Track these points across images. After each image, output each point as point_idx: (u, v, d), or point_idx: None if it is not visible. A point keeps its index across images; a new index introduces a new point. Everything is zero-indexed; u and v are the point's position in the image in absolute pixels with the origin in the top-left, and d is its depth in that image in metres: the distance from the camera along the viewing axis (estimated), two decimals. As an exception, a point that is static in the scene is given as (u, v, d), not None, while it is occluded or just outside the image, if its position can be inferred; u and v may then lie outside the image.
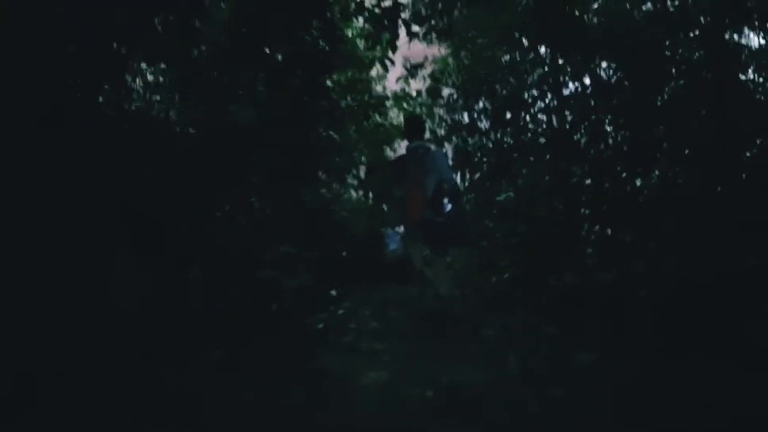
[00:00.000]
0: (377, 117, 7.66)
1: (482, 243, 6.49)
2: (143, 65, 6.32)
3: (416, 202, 5.99)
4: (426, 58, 10.49)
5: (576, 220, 6.06)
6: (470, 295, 5.86)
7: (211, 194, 5.37)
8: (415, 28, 6.88)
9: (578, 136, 8.91)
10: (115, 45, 5.48)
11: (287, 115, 6.73)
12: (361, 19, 6.74)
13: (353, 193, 8.12)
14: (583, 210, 6.73)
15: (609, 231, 5.43)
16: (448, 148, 10.26)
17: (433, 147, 6.92)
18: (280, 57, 6.89)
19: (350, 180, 7.92)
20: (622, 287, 4.66)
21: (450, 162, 8.14)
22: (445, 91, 10.15)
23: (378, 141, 7.96)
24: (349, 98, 7.33)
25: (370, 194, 8.05)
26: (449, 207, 6.05)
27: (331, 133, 6.69)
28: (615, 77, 8.31)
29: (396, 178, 6.24)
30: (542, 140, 9.74)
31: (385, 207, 7.70)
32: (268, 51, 6.85)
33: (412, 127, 6.50)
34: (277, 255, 5.61)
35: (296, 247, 5.82)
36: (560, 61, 8.94)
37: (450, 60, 9.80)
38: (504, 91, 10.06)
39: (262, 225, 5.79)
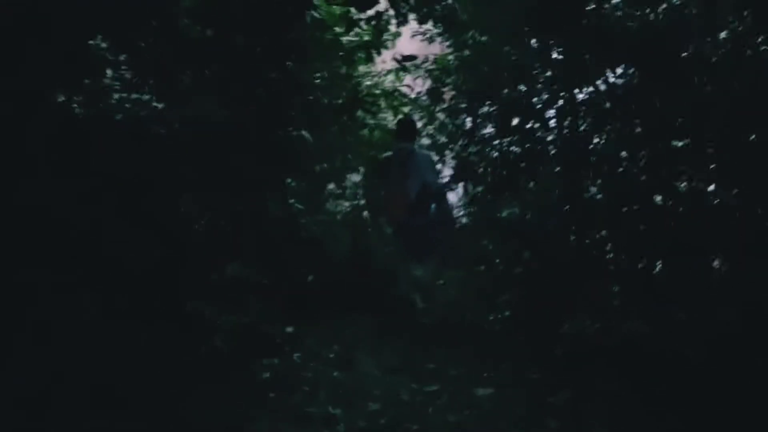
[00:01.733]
0: (365, 116, 6.36)
1: (478, 268, 5.19)
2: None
3: (396, 205, 5.74)
4: (426, 58, 9.33)
5: (594, 245, 4.77)
6: (460, 333, 4.56)
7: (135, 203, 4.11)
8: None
9: (593, 144, 7.78)
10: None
11: (256, 113, 5.52)
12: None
13: (339, 204, 6.84)
14: (600, 232, 5.46)
15: (638, 262, 4.09)
16: (449, 157, 9.11)
17: (417, 148, 6.49)
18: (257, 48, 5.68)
19: (332, 188, 6.67)
20: (659, 341, 3.37)
21: (450, 171, 7.24)
22: (448, 94, 8.95)
23: (367, 144, 6.68)
24: (330, 95, 6.06)
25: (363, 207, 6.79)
26: (433, 211, 5.89)
27: (304, 132, 5.40)
28: (633, 80, 7.14)
29: (380, 180, 6.00)
30: (552, 149, 8.61)
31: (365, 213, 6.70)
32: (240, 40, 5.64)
33: (402, 129, 6.25)
34: (223, 280, 4.34)
35: (248, 268, 4.55)
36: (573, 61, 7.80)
37: (451, 58, 8.56)
38: (511, 95, 8.86)
39: (204, 240, 4.51)
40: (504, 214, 5.64)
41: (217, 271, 4.50)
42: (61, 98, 4.90)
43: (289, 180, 5.52)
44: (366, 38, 5.74)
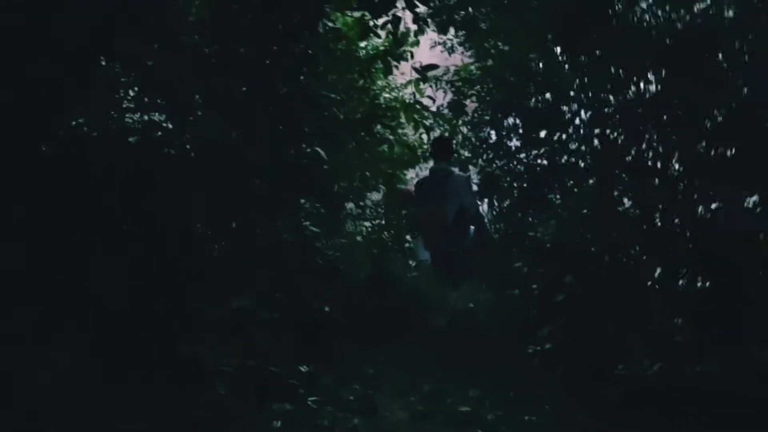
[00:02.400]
0: (382, 130, 5.87)
1: (512, 292, 4.63)
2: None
3: (433, 228, 5.55)
4: (447, 69, 8.84)
5: (639, 266, 4.20)
6: (496, 368, 3.99)
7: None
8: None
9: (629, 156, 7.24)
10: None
11: (268, 130, 5.07)
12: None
13: (359, 225, 6.34)
14: (644, 251, 4.90)
15: (708, 284, 3.50)
16: (473, 172, 8.59)
17: (456, 170, 6.36)
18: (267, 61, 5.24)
19: (351, 209, 6.18)
20: (734, 384, 2.80)
21: (475, 188, 6.83)
22: (471, 106, 8.44)
23: (387, 160, 6.18)
24: (345, 108, 5.58)
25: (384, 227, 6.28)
26: (472, 235, 5.73)
27: (318, 149, 4.92)
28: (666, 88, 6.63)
29: (417, 202, 5.86)
30: (582, 162, 8.05)
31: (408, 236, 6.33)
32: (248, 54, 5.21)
33: (438, 149, 6.09)
34: (227, 314, 3.85)
35: (259, 300, 4.06)
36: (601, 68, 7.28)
37: (473, 68, 8.05)
38: (538, 105, 8.32)
39: (209, 270, 4.02)
40: (537, 232, 5.08)
41: (221, 304, 4.03)
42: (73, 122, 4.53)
43: (303, 201, 5.04)
44: (383, 47, 5.25)
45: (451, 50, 8.51)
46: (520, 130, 8.61)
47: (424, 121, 6.14)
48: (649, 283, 4.04)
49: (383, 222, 6.19)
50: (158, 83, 4.96)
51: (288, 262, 4.56)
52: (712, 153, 6.18)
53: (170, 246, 4.05)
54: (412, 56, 5.68)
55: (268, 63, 5.30)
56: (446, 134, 8.56)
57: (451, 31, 8.75)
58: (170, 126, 5.04)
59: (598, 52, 6.94)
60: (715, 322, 3.09)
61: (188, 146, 5.05)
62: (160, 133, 4.98)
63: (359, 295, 4.95)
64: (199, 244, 4.50)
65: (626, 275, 3.90)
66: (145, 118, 5.09)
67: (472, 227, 6.09)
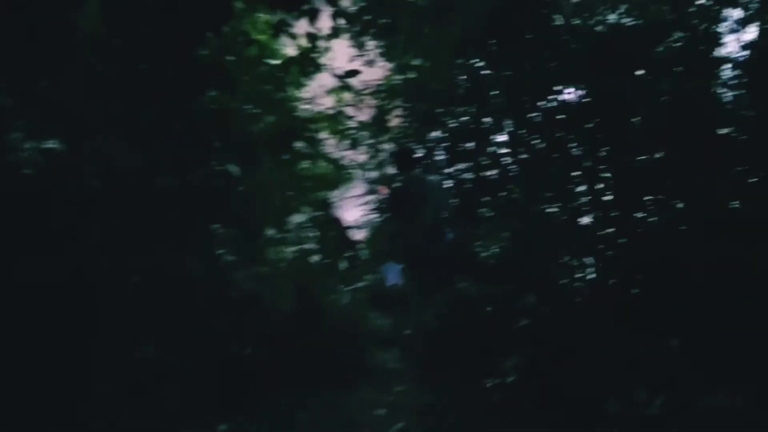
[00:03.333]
0: (305, 146, 5.22)
1: (460, 315, 4.03)
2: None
3: (412, 236, 5.43)
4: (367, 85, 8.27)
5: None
6: (452, 407, 3.36)
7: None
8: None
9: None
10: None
11: (173, 150, 4.37)
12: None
13: (281, 252, 5.63)
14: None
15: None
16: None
17: (429, 177, 6.30)
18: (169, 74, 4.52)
19: (272, 233, 5.48)
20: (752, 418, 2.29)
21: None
22: (395, 119, 7.88)
23: (310, 178, 5.52)
24: (260, 123, 4.91)
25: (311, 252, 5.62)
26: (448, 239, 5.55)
27: (230, 167, 4.23)
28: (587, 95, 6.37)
29: (392, 211, 5.84)
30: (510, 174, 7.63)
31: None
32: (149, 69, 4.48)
33: (402, 159, 6.00)
34: (130, 367, 3.10)
35: (167, 346, 3.32)
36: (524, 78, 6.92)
37: (397, 80, 7.51)
38: (463, 117, 7.86)
39: (107, 315, 3.27)
40: (487, 252, 4.52)
41: (122, 356, 3.27)
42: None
43: (216, 227, 4.32)
44: (300, 51, 4.60)
45: (371, 62, 7.98)
46: (446, 144, 8.23)
47: (349, 132, 5.49)
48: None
49: (310, 246, 5.52)
50: (52, 107, 4.24)
51: (200, 299, 3.85)
52: (639, 158, 5.97)
53: (65, 292, 3.29)
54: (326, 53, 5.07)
55: (171, 76, 4.62)
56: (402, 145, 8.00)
57: (370, 43, 8.31)
58: (66, 154, 4.30)
59: (519, 60, 6.64)
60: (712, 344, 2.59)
61: (87, 175, 4.32)
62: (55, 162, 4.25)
63: (287, 331, 4.26)
64: (97, 285, 3.73)
65: (592, 292, 3.38)
66: (41, 146, 4.35)
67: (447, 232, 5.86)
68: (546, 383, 2.87)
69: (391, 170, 7.27)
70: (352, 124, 5.76)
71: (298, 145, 5.40)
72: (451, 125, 7.91)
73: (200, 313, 3.68)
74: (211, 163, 4.57)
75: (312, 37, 4.29)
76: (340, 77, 4.73)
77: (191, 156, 4.52)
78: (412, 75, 7.68)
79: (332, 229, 5.48)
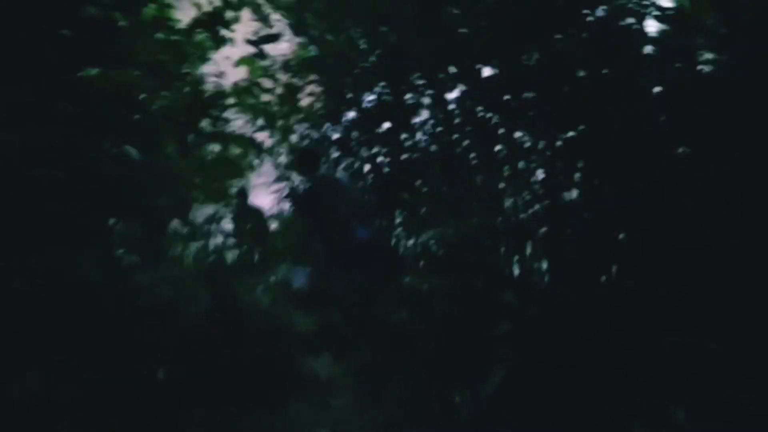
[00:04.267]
0: (213, 125, 4.51)
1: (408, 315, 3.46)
2: None
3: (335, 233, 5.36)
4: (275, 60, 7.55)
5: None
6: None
7: None
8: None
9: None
10: None
11: (60, 130, 3.58)
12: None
13: (187, 248, 4.89)
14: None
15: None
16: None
17: (337, 174, 6.33)
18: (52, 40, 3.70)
19: (177, 227, 4.75)
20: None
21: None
22: (306, 99, 7.22)
23: (219, 163, 4.80)
24: (161, 99, 4.17)
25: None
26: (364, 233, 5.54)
27: (129, 149, 3.49)
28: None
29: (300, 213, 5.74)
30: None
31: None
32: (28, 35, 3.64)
33: (307, 160, 5.77)
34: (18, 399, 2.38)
35: (58, 373, 2.60)
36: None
37: (309, 52, 6.84)
38: (378, 96, 7.30)
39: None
40: (427, 238, 4.00)
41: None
42: None
43: (113, 221, 3.57)
44: (212, 11, 3.88)
45: (272, 39, 7.21)
46: (361, 126, 7.67)
47: (265, 108, 4.77)
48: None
49: (222, 241, 4.82)
50: None
51: (97, 310, 3.12)
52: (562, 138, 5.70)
53: None
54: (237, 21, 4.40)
55: (50, 43, 3.80)
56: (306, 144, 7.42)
57: (275, 15, 7.58)
58: None
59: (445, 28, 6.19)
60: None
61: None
62: None
63: (203, 342, 3.57)
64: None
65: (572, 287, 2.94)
66: None
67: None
68: (536, 395, 2.37)
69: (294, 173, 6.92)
70: (265, 99, 5.06)
71: (205, 124, 4.70)
72: (366, 105, 7.40)
73: (98, 327, 2.95)
74: (102, 147, 3.81)
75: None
76: (255, 43, 4.06)
77: (78, 139, 3.74)
78: (322, 49, 7.08)
79: (248, 220, 4.83)
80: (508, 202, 5.82)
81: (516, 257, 4.31)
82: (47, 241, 3.30)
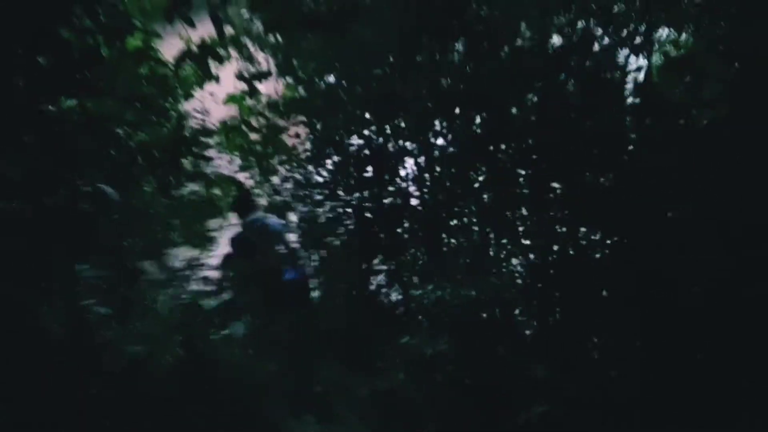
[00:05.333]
0: (196, 165, 4.16)
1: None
2: None
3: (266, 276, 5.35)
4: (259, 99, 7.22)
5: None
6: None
7: None
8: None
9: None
10: None
11: (26, 166, 3.19)
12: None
13: (162, 295, 4.46)
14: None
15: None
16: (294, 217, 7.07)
17: (268, 217, 6.01)
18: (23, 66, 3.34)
19: (152, 272, 4.34)
20: None
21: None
22: (291, 140, 6.88)
23: (200, 204, 4.42)
24: (139, 134, 3.80)
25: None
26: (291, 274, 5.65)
27: (104, 187, 3.11)
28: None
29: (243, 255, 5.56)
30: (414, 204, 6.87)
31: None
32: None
33: (244, 203, 5.72)
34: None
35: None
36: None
37: (296, 95, 6.53)
38: (365, 140, 7.01)
39: None
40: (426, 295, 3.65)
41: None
42: None
43: (82, 267, 3.16)
44: (203, 44, 3.54)
45: (263, 76, 6.90)
46: (344, 170, 7.34)
47: (253, 146, 4.41)
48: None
49: (199, 287, 4.42)
50: None
51: (58, 370, 2.69)
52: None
53: None
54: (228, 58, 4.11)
55: (22, 69, 3.42)
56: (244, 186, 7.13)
57: (260, 55, 7.29)
58: None
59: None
60: None
61: None
62: None
63: (177, 405, 3.16)
64: None
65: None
66: None
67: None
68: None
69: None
70: (253, 138, 4.71)
71: (186, 162, 4.35)
72: (351, 149, 7.09)
73: (58, 390, 2.53)
74: (75, 183, 3.43)
75: (219, 29, 3.27)
76: (246, 80, 3.74)
77: (48, 174, 3.36)
78: (309, 91, 6.78)
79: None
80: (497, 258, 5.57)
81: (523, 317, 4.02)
82: (6, 282, 2.89)
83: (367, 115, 6.71)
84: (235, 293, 5.28)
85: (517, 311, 4.19)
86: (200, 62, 3.51)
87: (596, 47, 5.32)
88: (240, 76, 3.79)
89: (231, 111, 5.03)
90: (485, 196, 6.08)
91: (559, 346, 2.97)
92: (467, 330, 3.02)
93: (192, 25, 3.33)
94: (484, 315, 3.17)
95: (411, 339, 3.15)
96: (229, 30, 6.28)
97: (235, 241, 5.61)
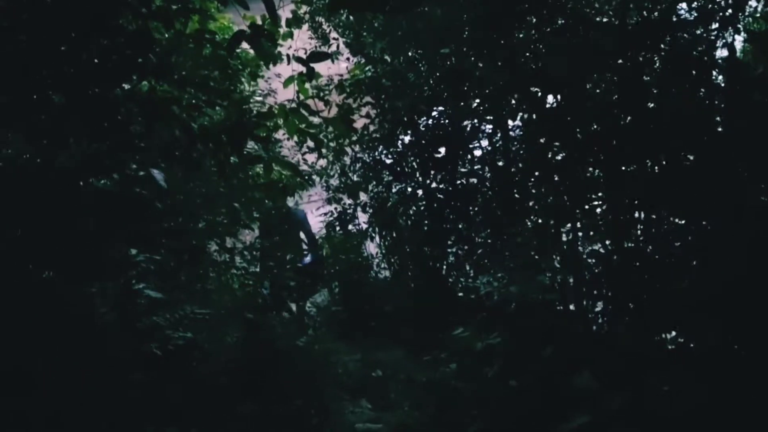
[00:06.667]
0: (258, 148, 4.06)
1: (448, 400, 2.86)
2: None
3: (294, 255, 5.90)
4: (331, 79, 7.08)
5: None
6: None
7: None
8: None
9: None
10: None
11: (85, 149, 3.14)
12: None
13: (225, 274, 4.43)
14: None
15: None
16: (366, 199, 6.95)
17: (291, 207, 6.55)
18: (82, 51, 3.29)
19: (215, 253, 4.30)
20: None
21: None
22: (360, 121, 6.72)
23: (262, 187, 4.33)
24: (202, 117, 3.74)
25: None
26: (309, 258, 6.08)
27: (154, 171, 3.04)
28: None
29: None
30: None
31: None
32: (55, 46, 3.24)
33: None
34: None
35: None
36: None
37: (366, 72, 6.34)
38: (437, 119, 6.74)
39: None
40: (481, 285, 3.42)
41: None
42: None
43: (134, 252, 3.12)
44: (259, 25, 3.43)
45: (333, 56, 6.78)
46: (417, 150, 7.12)
47: (311, 131, 4.28)
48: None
49: (257, 268, 4.36)
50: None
51: (107, 356, 2.65)
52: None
53: None
54: (290, 37, 3.97)
55: (85, 54, 3.38)
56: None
57: (333, 33, 7.15)
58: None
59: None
60: None
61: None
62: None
63: (234, 396, 3.08)
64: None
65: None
66: None
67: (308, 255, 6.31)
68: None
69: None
70: (314, 121, 4.57)
71: (249, 146, 4.25)
72: (423, 129, 6.84)
73: (106, 377, 2.48)
74: (129, 166, 3.37)
75: (271, 10, 3.13)
76: (304, 62, 3.58)
77: (103, 158, 3.31)
78: (379, 70, 6.55)
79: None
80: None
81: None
82: (57, 271, 2.86)
83: (440, 95, 6.51)
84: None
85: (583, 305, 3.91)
86: (253, 43, 3.37)
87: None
88: (297, 59, 3.61)
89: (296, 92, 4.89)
90: (559, 178, 5.74)
91: (620, 350, 2.68)
92: (520, 325, 2.78)
93: (246, 7, 3.19)
94: (542, 309, 2.91)
95: (464, 330, 2.95)
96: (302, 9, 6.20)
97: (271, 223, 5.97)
